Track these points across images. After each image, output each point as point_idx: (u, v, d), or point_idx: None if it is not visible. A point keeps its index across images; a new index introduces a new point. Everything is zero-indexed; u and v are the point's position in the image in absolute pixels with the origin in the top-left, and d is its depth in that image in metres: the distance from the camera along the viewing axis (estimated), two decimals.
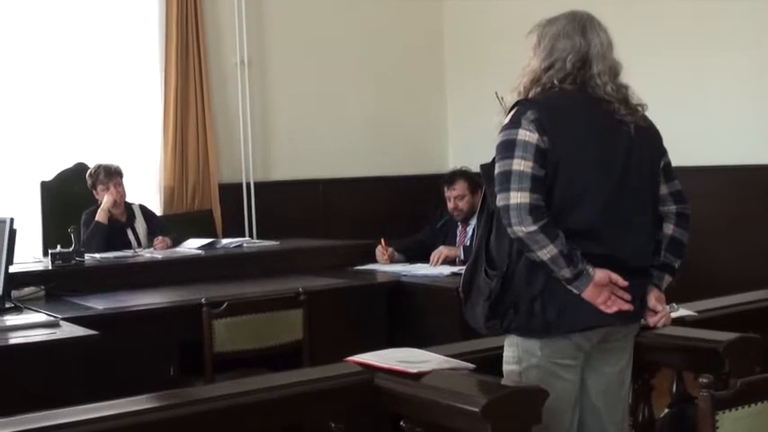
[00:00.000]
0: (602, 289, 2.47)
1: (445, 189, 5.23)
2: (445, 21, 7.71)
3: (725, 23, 5.67)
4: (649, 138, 2.62)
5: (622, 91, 2.58)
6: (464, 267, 2.72)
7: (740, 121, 5.64)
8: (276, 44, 6.98)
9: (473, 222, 4.98)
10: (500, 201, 2.47)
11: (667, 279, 2.67)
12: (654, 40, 5.99)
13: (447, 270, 4.78)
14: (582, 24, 2.59)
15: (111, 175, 5.33)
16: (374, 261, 5.26)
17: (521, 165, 2.44)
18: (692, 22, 5.84)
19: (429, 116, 7.70)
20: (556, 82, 2.55)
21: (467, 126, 7.33)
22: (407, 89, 7.57)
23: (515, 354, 2.57)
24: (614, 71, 2.59)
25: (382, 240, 5.29)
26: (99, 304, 4.08)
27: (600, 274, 2.46)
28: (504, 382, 2.52)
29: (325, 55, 7.15)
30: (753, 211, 5.56)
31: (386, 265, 5.16)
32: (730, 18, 5.65)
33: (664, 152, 2.67)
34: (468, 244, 4.96)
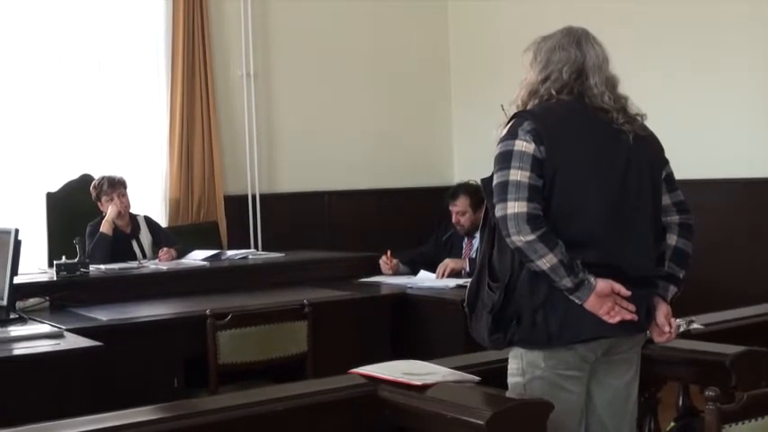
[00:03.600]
0: (604, 299, 2.46)
1: (449, 203, 5.24)
2: (451, 34, 7.72)
3: (734, 38, 5.67)
4: (649, 147, 2.61)
5: (621, 101, 2.60)
6: (470, 280, 2.71)
7: (748, 135, 5.64)
8: (282, 57, 7.00)
9: (478, 235, 4.97)
10: (498, 211, 2.47)
11: (672, 290, 2.65)
12: (663, 53, 6.01)
13: (452, 282, 4.77)
14: (577, 38, 2.61)
15: (116, 186, 5.34)
16: (379, 273, 5.25)
17: (518, 175, 2.45)
18: (701, 38, 5.84)
19: (434, 129, 7.71)
20: (553, 92, 2.57)
21: (472, 139, 7.33)
22: (413, 102, 7.58)
23: (519, 365, 2.56)
24: (611, 83, 2.61)
25: (387, 252, 5.28)
26: (103, 315, 4.08)
27: (602, 284, 2.45)
28: (508, 394, 2.50)
29: (330, 67, 7.16)
30: (761, 224, 5.54)
31: (391, 277, 5.16)
32: (739, 33, 5.65)
33: (665, 162, 2.66)
34: (473, 256, 4.95)
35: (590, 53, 2.59)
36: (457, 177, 7.32)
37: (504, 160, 2.49)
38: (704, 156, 5.72)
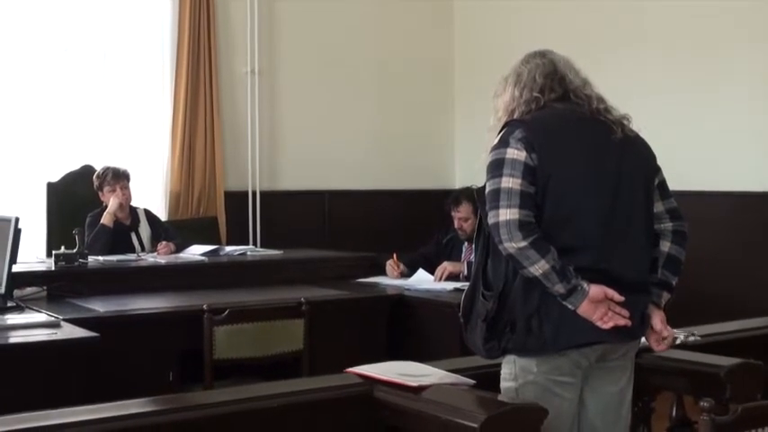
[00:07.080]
0: (597, 305, 2.47)
1: (451, 209, 5.23)
2: (456, 37, 7.72)
3: (733, 53, 5.68)
4: (641, 154, 2.63)
5: (602, 100, 2.62)
6: (467, 284, 2.72)
7: (745, 148, 5.64)
8: (287, 54, 7.00)
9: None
10: (490, 218, 2.48)
11: (666, 296, 2.66)
12: (663, 68, 6.01)
13: (450, 285, 4.77)
14: (539, 53, 2.68)
15: (119, 177, 5.35)
16: (377, 273, 5.25)
17: (509, 182, 2.46)
18: (701, 53, 5.84)
19: (437, 131, 7.71)
20: (536, 94, 2.60)
21: (474, 142, 7.25)
22: (417, 103, 7.57)
23: (512, 371, 2.56)
24: (585, 81, 2.65)
25: (395, 255, 5.27)
26: (100, 307, 4.08)
27: (595, 290, 2.45)
28: (501, 398, 2.51)
29: (334, 66, 7.17)
30: (758, 236, 5.55)
31: (389, 278, 5.15)
32: (738, 49, 5.65)
33: (657, 169, 2.67)
34: (473, 260, 4.94)
35: (556, 58, 2.66)
36: (458, 180, 7.33)
37: (495, 168, 2.51)
38: (701, 168, 5.72)
